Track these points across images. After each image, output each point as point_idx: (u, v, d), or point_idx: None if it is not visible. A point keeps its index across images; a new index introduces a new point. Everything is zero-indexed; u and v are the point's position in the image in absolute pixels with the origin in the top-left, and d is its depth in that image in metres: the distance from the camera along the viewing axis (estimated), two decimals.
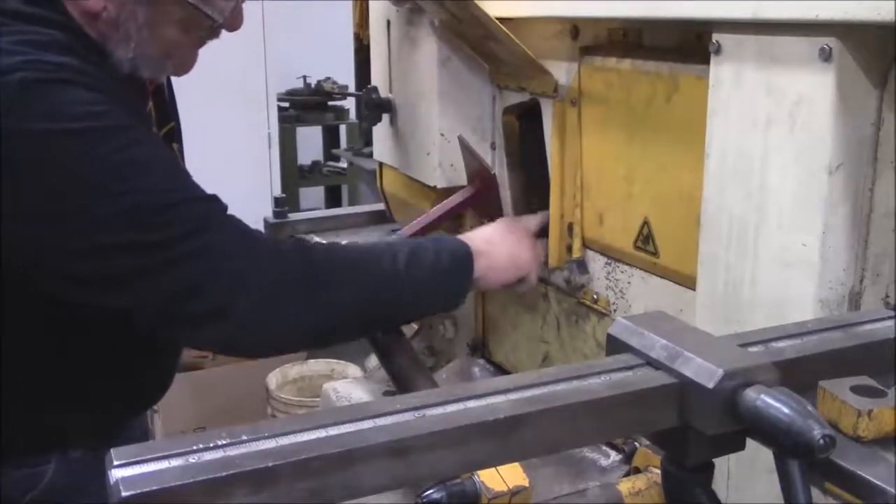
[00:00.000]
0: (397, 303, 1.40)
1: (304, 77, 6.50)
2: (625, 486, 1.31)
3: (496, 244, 1.52)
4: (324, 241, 1.52)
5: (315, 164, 6.82)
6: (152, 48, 1.30)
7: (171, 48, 1.33)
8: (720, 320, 1.20)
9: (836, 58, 1.02)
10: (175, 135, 1.56)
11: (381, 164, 2.21)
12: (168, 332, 1.28)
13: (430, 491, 1.04)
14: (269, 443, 0.65)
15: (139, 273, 1.20)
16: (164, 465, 0.62)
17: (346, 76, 6.20)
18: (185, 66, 1.41)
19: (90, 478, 1.38)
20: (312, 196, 6.87)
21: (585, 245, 1.59)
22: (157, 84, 1.49)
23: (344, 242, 1.62)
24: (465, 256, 1.45)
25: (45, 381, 1.36)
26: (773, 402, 0.71)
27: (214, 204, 1.29)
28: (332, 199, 6.98)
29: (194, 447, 0.63)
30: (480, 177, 1.77)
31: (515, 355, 1.88)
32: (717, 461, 0.83)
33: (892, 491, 0.71)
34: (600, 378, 0.77)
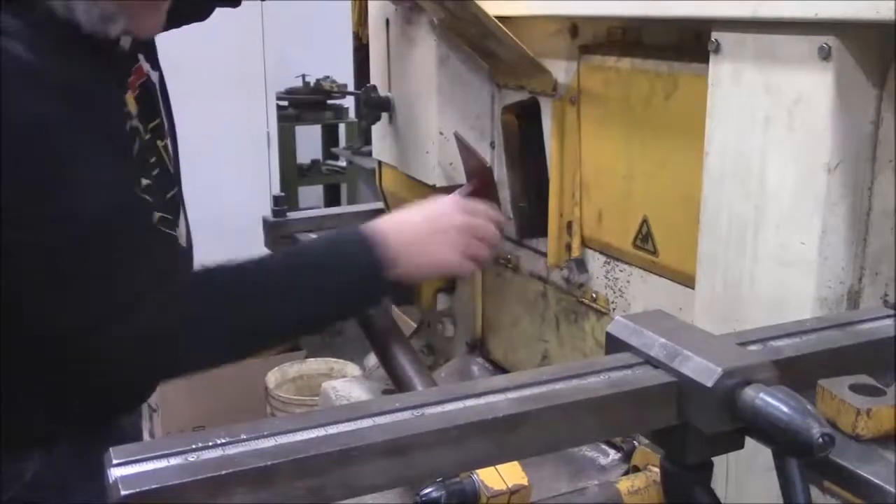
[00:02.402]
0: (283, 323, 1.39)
1: (303, 76, 6.49)
2: (624, 485, 1.31)
3: (411, 244, 1.42)
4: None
5: (314, 162, 6.81)
6: None
7: None
8: (719, 319, 1.20)
9: (835, 56, 1.02)
10: (162, 131, 1.53)
11: (380, 163, 2.21)
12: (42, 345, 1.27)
13: (430, 490, 1.04)
14: (268, 441, 0.65)
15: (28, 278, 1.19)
16: (162, 463, 0.62)
17: (345, 75, 6.20)
18: (140, 26, 1.33)
19: (75, 476, 1.37)
20: (311, 195, 6.85)
21: (584, 244, 1.59)
22: (142, 78, 1.48)
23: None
24: (369, 267, 1.39)
25: (29, 372, 1.34)
26: (771, 401, 0.71)
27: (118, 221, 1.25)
28: (332, 197, 6.96)
29: (193, 446, 0.63)
30: (478, 174, 1.77)
31: (514, 354, 1.88)
32: (716, 459, 0.83)
33: (891, 489, 0.71)
34: (599, 377, 0.77)
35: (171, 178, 1.49)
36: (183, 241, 1.51)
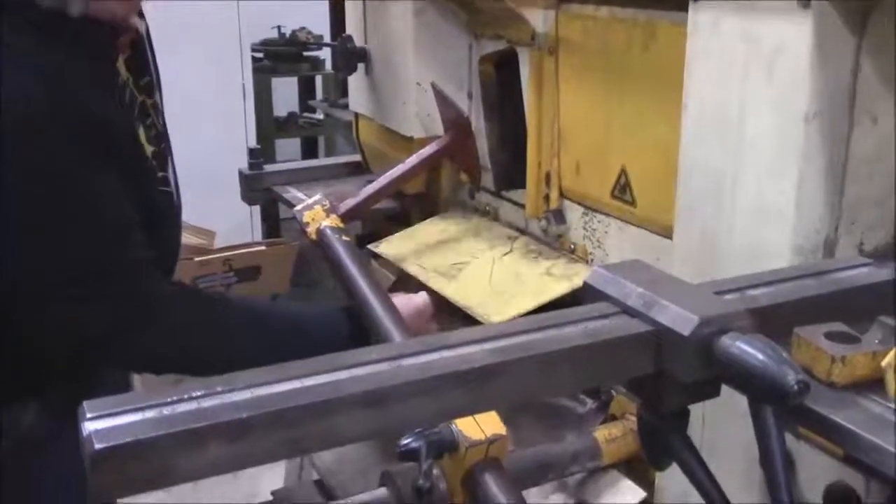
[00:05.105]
0: None
1: (279, 27, 6.40)
2: (601, 434, 1.32)
3: None
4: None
5: (291, 115, 6.74)
6: None
7: None
8: (697, 269, 1.20)
9: (814, 4, 1.01)
10: (151, 88, 1.52)
11: (357, 115, 2.19)
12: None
13: (409, 440, 1.04)
14: (244, 394, 0.64)
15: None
16: (137, 416, 0.61)
17: (321, 26, 6.11)
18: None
19: (66, 428, 1.36)
20: (289, 148, 6.80)
21: (563, 195, 1.59)
22: (134, 37, 1.45)
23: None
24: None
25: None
26: (747, 349, 0.71)
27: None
28: (309, 150, 6.91)
29: (168, 399, 0.63)
30: (456, 125, 1.76)
31: None
32: (692, 407, 0.83)
33: (865, 435, 0.72)
34: (576, 326, 0.77)
35: (159, 135, 1.48)
36: (175, 196, 1.50)
